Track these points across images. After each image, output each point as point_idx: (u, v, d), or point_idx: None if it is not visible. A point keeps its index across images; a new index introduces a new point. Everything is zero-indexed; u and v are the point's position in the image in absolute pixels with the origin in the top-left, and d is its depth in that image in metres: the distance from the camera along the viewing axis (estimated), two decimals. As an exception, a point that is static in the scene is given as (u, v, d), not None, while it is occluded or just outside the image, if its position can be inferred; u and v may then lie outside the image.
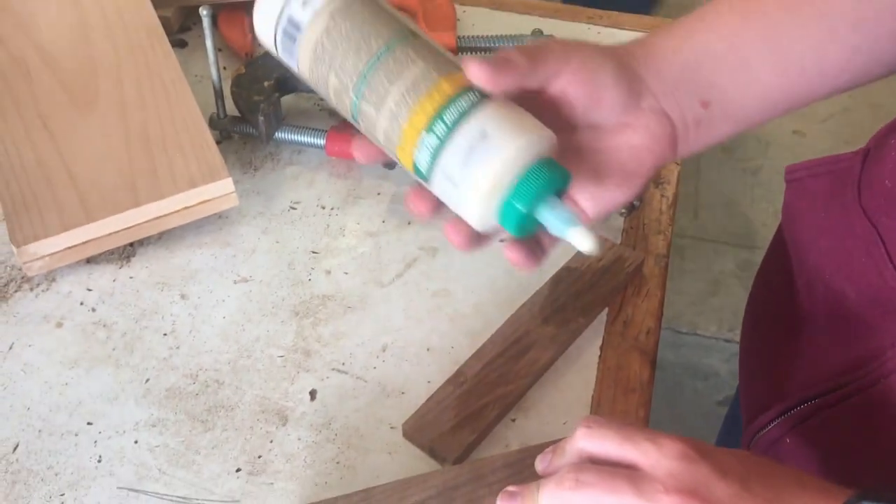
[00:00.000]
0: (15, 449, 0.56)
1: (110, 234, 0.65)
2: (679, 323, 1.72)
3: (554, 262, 0.65)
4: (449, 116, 0.42)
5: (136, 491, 0.54)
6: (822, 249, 0.61)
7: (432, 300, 0.65)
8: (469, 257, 0.68)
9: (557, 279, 0.64)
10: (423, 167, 0.44)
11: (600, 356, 0.61)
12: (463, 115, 0.42)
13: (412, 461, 0.55)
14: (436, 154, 0.43)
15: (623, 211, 0.68)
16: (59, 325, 0.63)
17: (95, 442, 0.56)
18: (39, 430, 0.57)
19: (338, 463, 0.55)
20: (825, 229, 0.61)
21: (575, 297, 0.63)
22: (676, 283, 1.78)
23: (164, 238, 0.68)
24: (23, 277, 0.65)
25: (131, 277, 0.66)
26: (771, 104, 0.50)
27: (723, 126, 0.49)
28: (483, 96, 0.43)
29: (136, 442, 0.56)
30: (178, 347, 0.61)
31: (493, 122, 0.42)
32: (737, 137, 0.52)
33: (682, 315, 1.78)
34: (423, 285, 0.66)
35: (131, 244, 0.68)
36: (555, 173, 0.43)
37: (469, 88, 0.43)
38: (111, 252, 0.67)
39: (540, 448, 0.53)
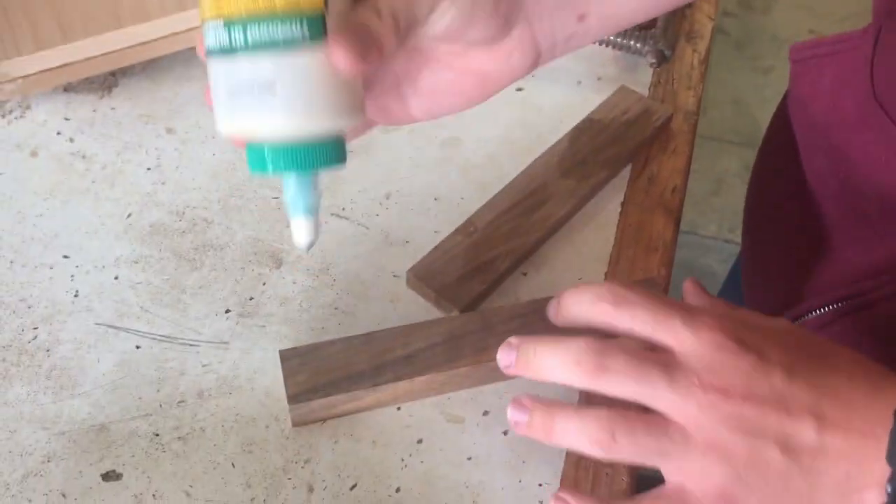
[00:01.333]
0: (-16, 280, 0.51)
1: (90, 58, 0.58)
2: (678, 221, 1.69)
3: (576, 113, 0.60)
4: (256, 30, 0.34)
5: (116, 328, 0.49)
6: (835, 143, 0.55)
7: (441, 149, 0.59)
8: (482, 105, 0.62)
9: (579, 131, 0.59)
10: (208, 41, 0.36)
11: (621, 213, 0.56)
12: (280, 44, 0.34)
13: (416, 310, 0.51)
14: (217, 53, 0.35)
15: (653, 62, 0.63)
16: (34, 154, 0.58)
17: (72, 276, 0.52)
18: (11, 262, 0.52)
19: (336, 308, 0.51)
20: (836, 122, 0.55)
21: (597, 150, 0.58)
22: (678, 181, 1.73)
23: (148, 69, 0.62)
24: (-7, 102, 0.60)
25: (113, 108, 0.60)
26: (651, 4, 0.45)
27: (594, 34, 0.44)
28: (315, 33, 0.35)
29: (116, 278, 0.52)
30: (163, 183, 0.56)
31: (293, 81, 0.35)
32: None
33: (683, 214, 1.74)
34: (432, 133, 0.60)
35: (113, 73, 0.62)
36: (320, 158, 0.37)
37: (299, 18, 0.34)
38: (91, 80, 0.61)
39: (547, 301, 0.49)
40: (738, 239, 1.85)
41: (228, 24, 0.35)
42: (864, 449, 0.37)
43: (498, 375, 0.45)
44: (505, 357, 0.43)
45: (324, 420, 0.46)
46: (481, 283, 0.51)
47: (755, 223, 0.68)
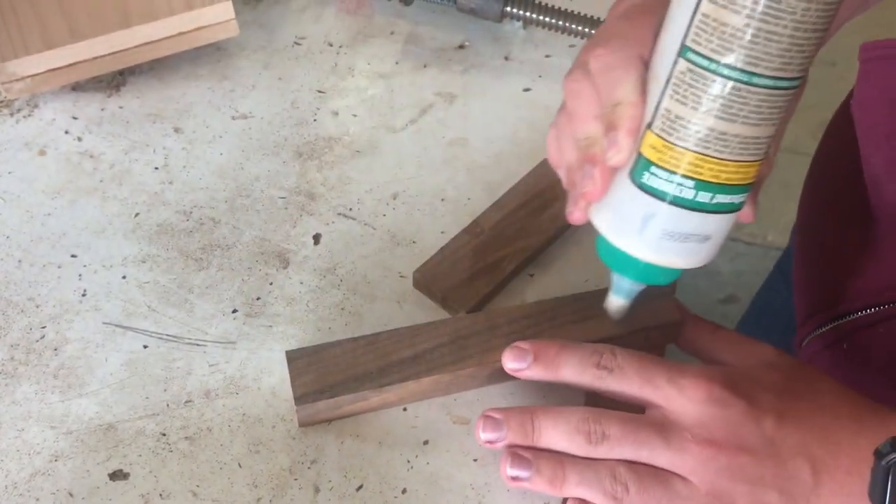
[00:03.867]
0: (-8, 278, 0.51)
1: (98, 57, 0.58)
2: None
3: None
4: (721, 197, 0.39)
5: (123, 327, 0.50)
6: (894, 148, 0.56)
7: (448, 149, 0.59)
8: (490, 106, 0.62)
9: (586, 131, 0.59)
10: (642, 177, 0.40)
11: (628, 214, 0.56)
12: (727, 208, 0.40)
13: (423, 311, 0.51)
14: (666, 198, 0.40)
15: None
16: (42, 152, 0.58)
17: (80, 275, 0.52)
18: (19, 261, 0.52)
19: (342, 309, 0.51)
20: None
21: (604, 151, 0.58)
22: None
23: (156, 67, 0.62)
24: (1, 101, 0.60)
25: (121, 107, 0.60)
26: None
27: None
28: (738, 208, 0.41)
29: (123, 277, 0.52)
30: (170, 182, 0.56)
31: (719, 234, 0.41)
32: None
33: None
34: (439, 133, 0.60)
35: (121, 72, 0.62)
36: (669, 278, 0.44)
37: (748, 188, 0.40)
38: (99, 79, 0.61)
39: (558, 301, 0.49)
40: (744, 238, 1.84)
41: (700, 186, 0.39)
42: (850, 486, 0.39)
43: (504, 376, 0.45)
44: (511, 360, 0.44)
45: (330, 420, 0.46)
46: (487, 285, 0.51)
47: (809, 222, 0.69)
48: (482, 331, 0.47)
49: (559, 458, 0.41)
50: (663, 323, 0.48)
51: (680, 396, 0.40)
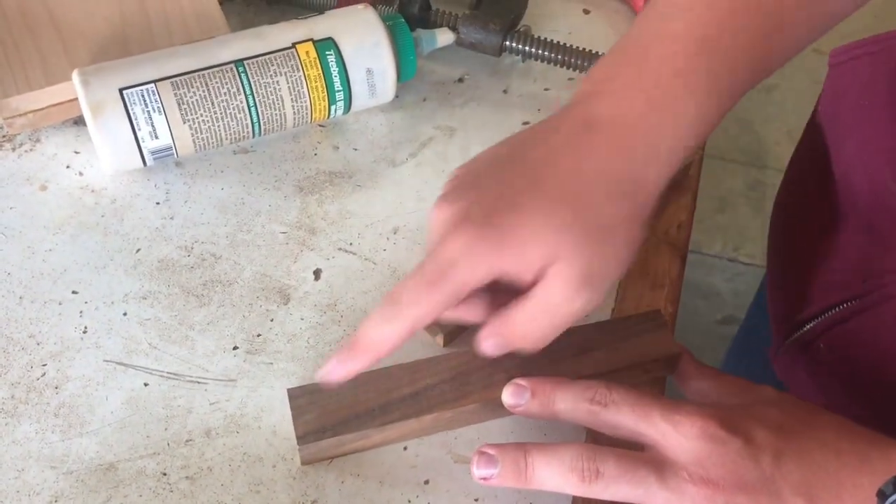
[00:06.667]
0: (-7, 315, 0.51)
1: (99, 92, 0.59)
2: (683, 240, 1.69)
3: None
4: None
5: (125, 365, 0.50)
6: (863, 139, 0.57)
7: (448, 182, 0.60)
8: (489, 138, 0.62)
9: (585, 165, 0.59)
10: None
11: (627, 249, 0.57)
12: None
13: (422, 347, 0.51)
14: None
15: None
16: (44, 188, 0.58)
17: (81, 312, 0.52)
18: (20, 297, 0.52)
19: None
20: (866, 118, 0.57)
21: (603, 185, 0.58)
22: (683, 200, 1.73)
23: (158, 102, 0.62)
24: (3, 136, 0.60)
25: (122, 142, 0.60)
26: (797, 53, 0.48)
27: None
28: None
29: (124, 314, 0.52)
30: (171, 218, 0.57)
31: None
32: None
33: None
34: (439, 167, 0.61)
35: (122, 106, 0.62)
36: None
37: None
38: (100, 114, 0.61)
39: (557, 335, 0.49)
40: (742, 258, 1.84)
41: None
42: None
43: (506, 411, 0.45)
44: (510, 397, 0.44)
45: (332, 458, 0.46)
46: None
47: (778, 233, 0.69)
48: (483, 366, 0.48)
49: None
50: (661, 356, 0.48)
51: (675, 433, 0.40)
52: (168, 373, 0.49)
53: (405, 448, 0.47)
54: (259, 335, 0.51)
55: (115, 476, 0.45)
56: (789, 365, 0.61)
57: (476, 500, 0.45)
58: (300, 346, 0.51)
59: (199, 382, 0.49)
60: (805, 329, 0.58)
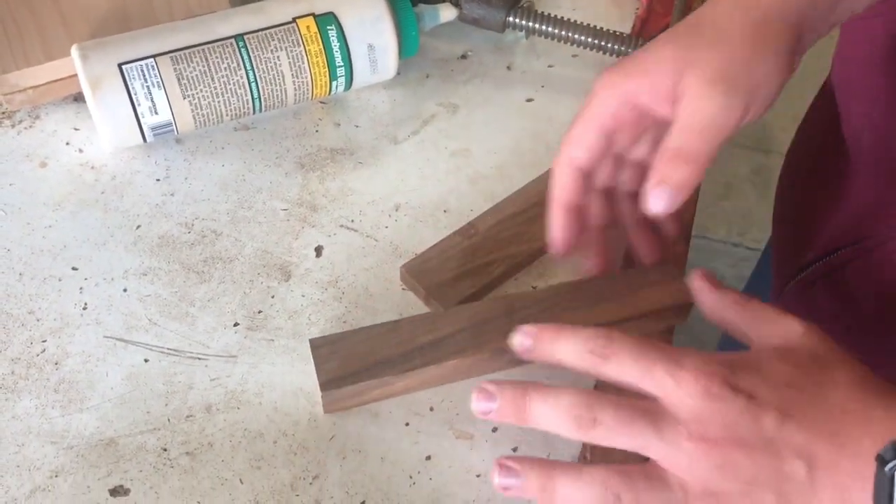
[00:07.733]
0: (-7, 292, 0.51)
1: (99, 68, 0.58)
2: (688, 225, 1.69)
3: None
4: None
5: (125, 341, 0.49)
6: (872, 97, 0.57)
7: (451, 160, 0.59)
8: (492, 116, 0.62)
9: (589, 143, 0.59)
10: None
11: (632, 226, 0.56)
12: None
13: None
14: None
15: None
16: (43, 164, 0.58)
17: (81, 288, 0.52)
18: (20, 274, 0.52)
19: (345, 322, 0.51)
20: (877, 74, 0.57)
21: (607, 162, 0.58)
22: (687, 185, 1.73)
23: (158, 78, 0.62)
24: (3, 112, 0.60)
25: (122, 118, 0.60)
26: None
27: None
28: None
29: (125, 290, 0.51)
30: (172, 194, 0.56)
31: None
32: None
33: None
34: (442, 143, 0.60)
35: (122, 83, 0.61)
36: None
37: None
38: (100, 90, 0.61)
39: (571, 286, 0.49)
40: (748, 243, 1.83)
41: None
42: (851, 490, 0.37)
43: (523, 360, 0.45)
44: (516, 342, 0.43)
45: (350, 408, 0.46)
46: (473, 286, 0.51)
47: (786, 185, 0.70)
48: (500, 315, 0.48)
49: (551, 469, 0.40)
50: (674, 303, 0.48)
51: (677, 390, 0.39)
52: (168, 349, 0.49)
53: (407, 424, 0.47)
54: (260, 312, 0.51)
55: (115, 451, 0.45)
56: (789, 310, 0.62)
57: (478, 475, 0.45)
58: (301, 323, 0.50)
59: (199, 358, 0.49)
60: (806, 272, 0.59)
